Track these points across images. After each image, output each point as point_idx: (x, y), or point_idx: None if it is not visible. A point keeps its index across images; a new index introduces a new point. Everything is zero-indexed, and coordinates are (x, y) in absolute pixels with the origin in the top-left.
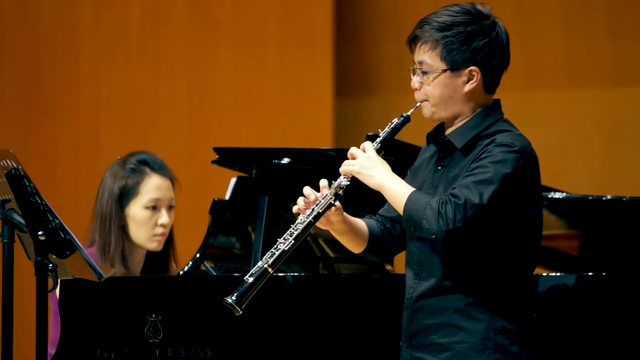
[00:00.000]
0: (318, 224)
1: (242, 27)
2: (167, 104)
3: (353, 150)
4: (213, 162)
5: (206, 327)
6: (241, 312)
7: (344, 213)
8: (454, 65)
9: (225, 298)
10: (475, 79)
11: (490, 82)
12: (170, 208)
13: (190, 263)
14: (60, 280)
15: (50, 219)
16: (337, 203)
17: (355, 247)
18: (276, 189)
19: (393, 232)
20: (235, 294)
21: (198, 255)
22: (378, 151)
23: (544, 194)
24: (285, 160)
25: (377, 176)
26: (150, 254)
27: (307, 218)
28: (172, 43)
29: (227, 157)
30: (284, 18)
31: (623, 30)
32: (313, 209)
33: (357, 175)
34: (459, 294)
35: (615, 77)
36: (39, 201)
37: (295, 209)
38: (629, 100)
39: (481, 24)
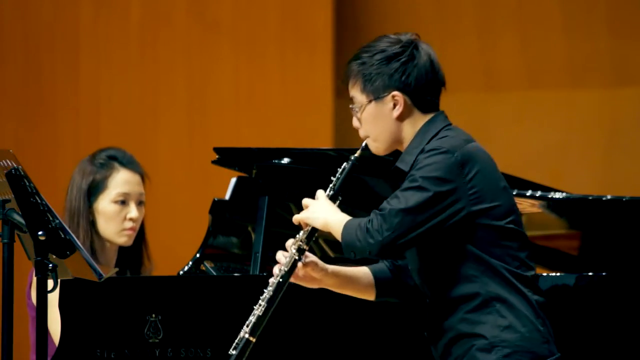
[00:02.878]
0: (304, 284)
1: (242, 27)
2: (167, 104)
3: (305, 200)
4: (213, 162)
5: (206, 327)
6: None
7: (331, 266)
8: (376, 95)
9: None
10: (399, 103)
11: (420, 103)
12: (140, 203)
13: (190, 263)
14: (60, 280)
15: (50, 219)
16: (312, 256)
17: (366, 296)
18: (276, 189)
19: (405, 269)
20: None
21: (198, 255)
22: (334, 197)
23: (543, 193)
24: (285, 160)
25: (321, 217)
26: (122, 251)
27: (275, 280)
28: (172, 43)
29: (227, 157)
30: (284, 18)
31: (623, 30)
32: (281, 269)
33: (307, 221)
34: (456, 305)
35: (616, 77)
36: (39, 201)
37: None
38: (629, 100)
39: (396, 49)
